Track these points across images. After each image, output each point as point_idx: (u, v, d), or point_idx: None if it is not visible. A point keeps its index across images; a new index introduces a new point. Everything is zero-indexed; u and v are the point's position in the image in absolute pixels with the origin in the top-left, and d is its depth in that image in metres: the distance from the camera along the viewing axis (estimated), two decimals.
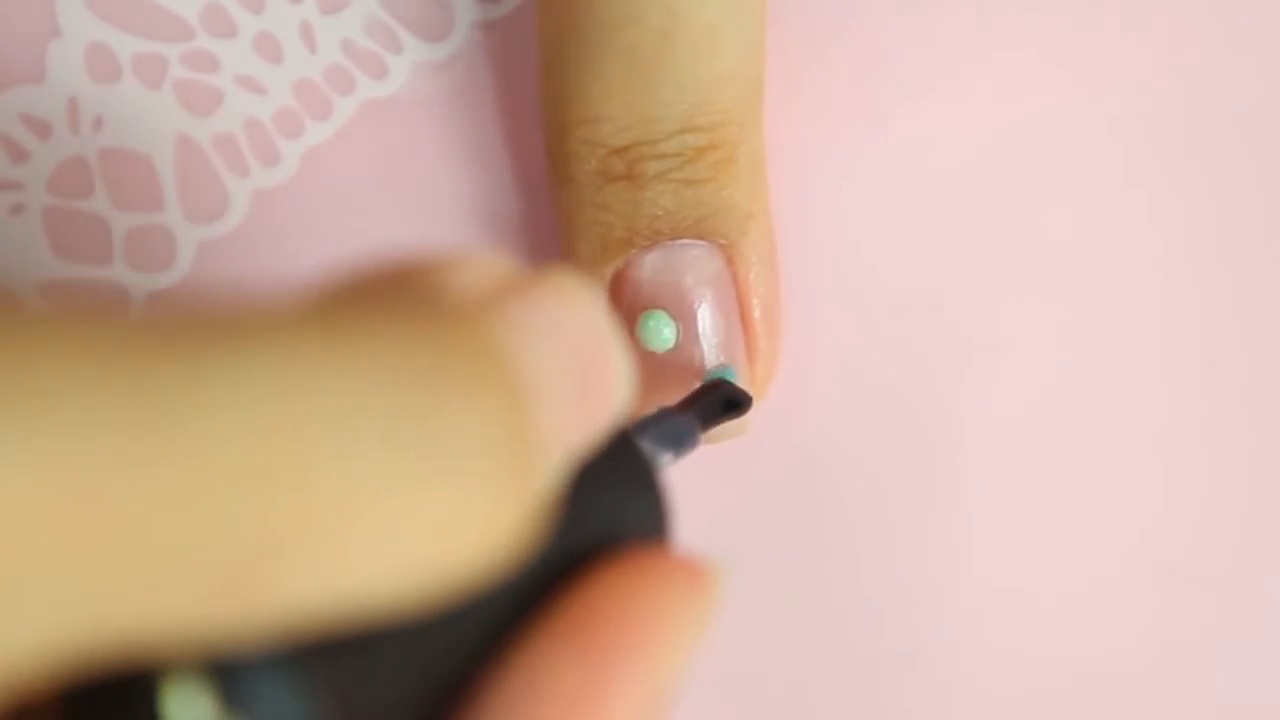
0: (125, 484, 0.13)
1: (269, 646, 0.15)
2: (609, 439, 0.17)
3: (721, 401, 0.25)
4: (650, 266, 0.27)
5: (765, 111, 0.28)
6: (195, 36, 0.29)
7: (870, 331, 0.29)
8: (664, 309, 0.27)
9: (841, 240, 0.29)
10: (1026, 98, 0.29)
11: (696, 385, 0.27)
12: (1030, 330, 0.29)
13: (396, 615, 0.15)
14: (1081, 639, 0.29)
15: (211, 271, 0.29)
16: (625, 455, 0.18)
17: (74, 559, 0.13)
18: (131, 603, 0.13)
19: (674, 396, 0.26)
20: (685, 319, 0.27)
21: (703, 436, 0.23)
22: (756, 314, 0.28)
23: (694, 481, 0.25)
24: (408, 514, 0.14)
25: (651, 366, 0.27)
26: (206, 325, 0.14)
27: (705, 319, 0.27)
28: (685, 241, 0.27)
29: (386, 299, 0.15)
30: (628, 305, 0.27)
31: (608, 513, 0.18)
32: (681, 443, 0.21)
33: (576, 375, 0.16)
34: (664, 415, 0.21)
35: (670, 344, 0.27)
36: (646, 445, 0.20)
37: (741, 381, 0.27)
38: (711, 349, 0.27)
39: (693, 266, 0.27)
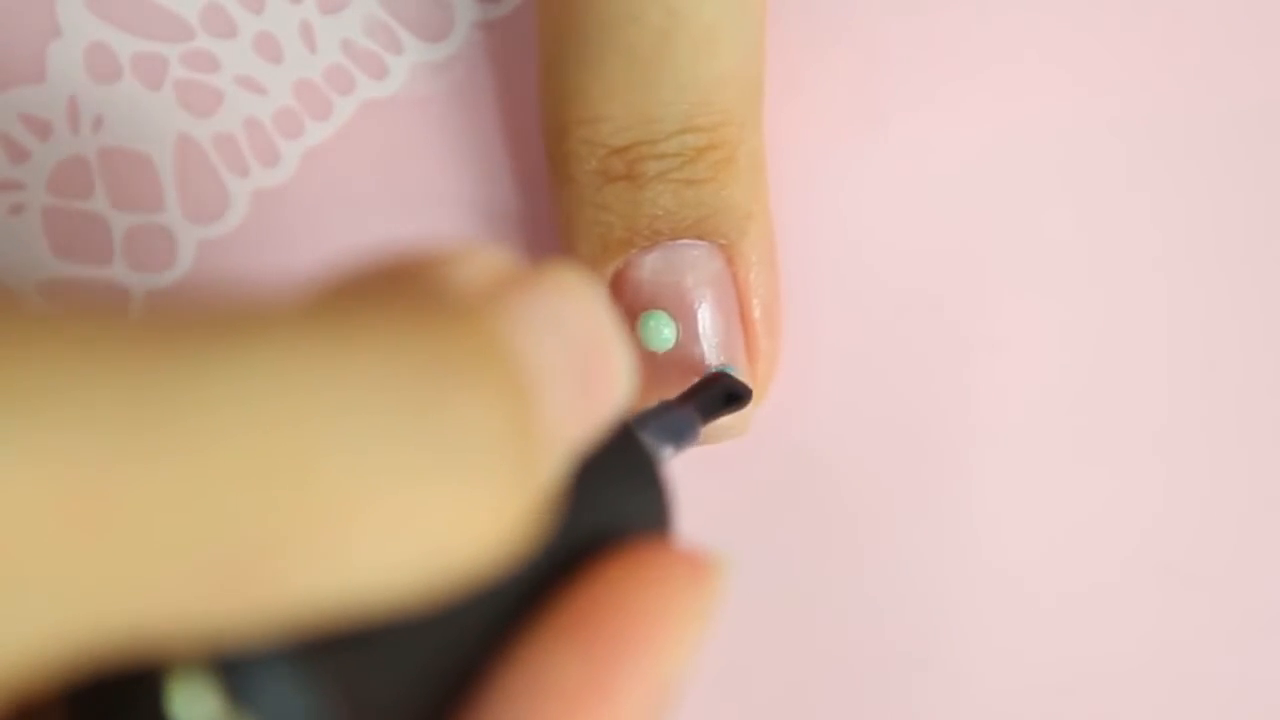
0: (126, 480, 0.13)
1: (274, 642, 0.15)
2: (611, 433, 0.17)
3: (722, 395, 0.25)
4: (650, 266, 0.27)
5: (765, 111, 0.28)
6: (195, 36, 0.29)
7: (870, 331, 0.29)
8: (664, 309, 0.27)
9: (841, 240, 0.29)
10: (1026, 98, 0.29)
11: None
12: (1030, 330, 0.29)
13: (401, 610, 0.15)
14: (1081, 639, 0.29)
15: (212, 271, 0.29)
16: (627, 449, 0.18)
17: (75, 557, 0.13)
18: (133, 600, 0.13)
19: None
20: (685, 319, 0.27)
21: (703, 431, 0.23)
22: (756, 314, 0.28)
23: (694, 481, 0.25)
24: (411, 509, 0.14)
25: (651, 367, 0.27)
26: (207, 321, 0.14)
27: (705, 319, 0.27)
28: (685, 241, 0.27)
29: (388, 293, 0.15)
30: (628, 305, 0.27)
31: (610, 506, 0.18)
32: (682, 436, 0.21)
33: (579, 369, 0.16)
34: (664, 409, 0.21)
35: (670, 344, 0.27)
36: (648, 439, 0.20)
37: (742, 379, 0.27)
38: (711, 349, 0.27)
39: (693, 266, 0.27)
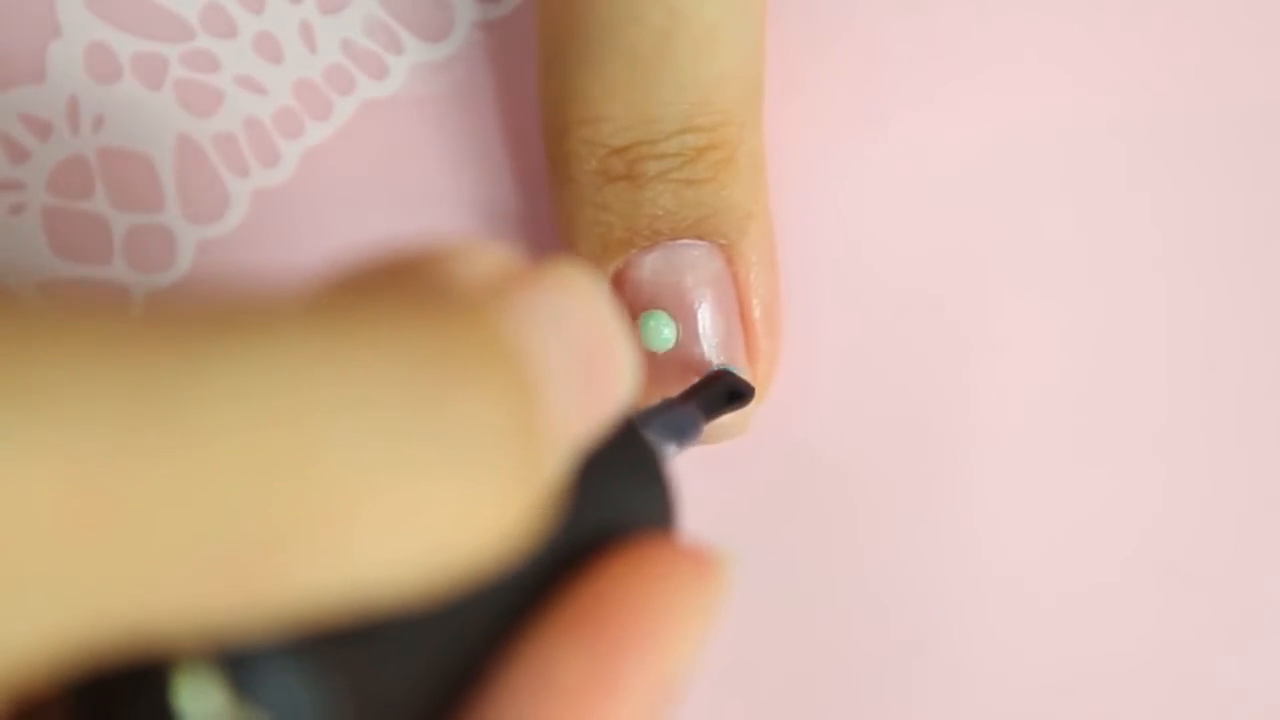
0: (127, 476, 0.13)
1: (279, 637, 0.15)
2: (614, 430, 0.17)
3: (725, 392, 0.25)
4: (650, 266, 0.27)
5: (765, 111, 0.28)
6: (195, 36, 0.29)
7: (870, 331, 0.29)
8: (664, 309, 0.27)
9: (841, 240, 0.29)
10: (1026, 98, 0.29)
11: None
12: (1030, 330, 0.29)
13: (405, 605, 0.15)
14: (1081, 639, 0.29)
15: (211, 271, 0.29)
16: (631, 445, 0.18)
17: (76, 553, 0.13)
18: (136, 596, 0.13)
19: None
20: (685, 319, 0.27)
21: (705, 428, 0.23)
22: (756, 314, 0.28)
23: (695, 481, 0.25)
24: (414, 504, 0.14)
25: (651, 367, 0.27)
26: (208, 317, 0.14)
27: (705, 319, 0.27)
28: (685, 241, 0.27)
29: (391, 289, 0.15)
30: (628, 305, 0.27)
31: (614, 503, 0.18)
32: (685, 433, 0.21)
33: (582, 365, 0.16)
34: (667, 406, 0.21)
35: (670, 344, 0.27)
36: (651, 436, 0.20)
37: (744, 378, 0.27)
38: (711, 349, 0.27)
39: (693, 266, 0.27)
